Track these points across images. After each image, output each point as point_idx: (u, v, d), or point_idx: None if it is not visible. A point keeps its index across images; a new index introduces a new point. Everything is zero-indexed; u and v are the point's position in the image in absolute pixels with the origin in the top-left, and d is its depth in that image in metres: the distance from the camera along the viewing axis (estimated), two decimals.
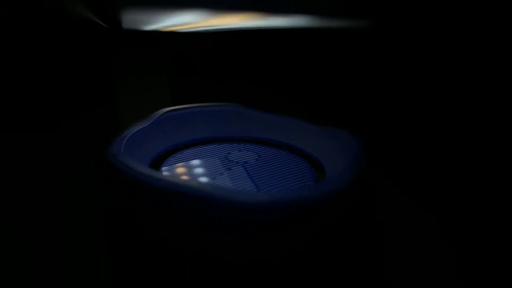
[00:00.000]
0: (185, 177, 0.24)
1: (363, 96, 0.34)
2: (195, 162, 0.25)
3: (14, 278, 0.27)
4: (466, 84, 0.30)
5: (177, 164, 0.25)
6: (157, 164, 0.25)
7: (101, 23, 0.33)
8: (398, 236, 0.28)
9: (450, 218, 0.29)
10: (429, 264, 0.27)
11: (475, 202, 0.29)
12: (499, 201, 0.29)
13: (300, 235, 0.19)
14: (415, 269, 0.27)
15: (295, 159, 0.26)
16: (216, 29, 0.36)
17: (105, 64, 0.34)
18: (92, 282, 0.25)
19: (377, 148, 0.26)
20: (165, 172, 0.24)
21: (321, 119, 0.27)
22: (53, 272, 0.27)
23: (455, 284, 0.27)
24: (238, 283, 0.20)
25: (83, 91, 0.33)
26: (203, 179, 0.24)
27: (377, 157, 0.25)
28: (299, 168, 0.25)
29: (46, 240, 0.29)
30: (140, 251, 0.21)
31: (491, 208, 0.29)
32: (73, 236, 0.29)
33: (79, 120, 0.33)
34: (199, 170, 0.24)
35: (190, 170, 0.24)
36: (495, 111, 0.29)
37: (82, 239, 0.27)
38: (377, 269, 0.25)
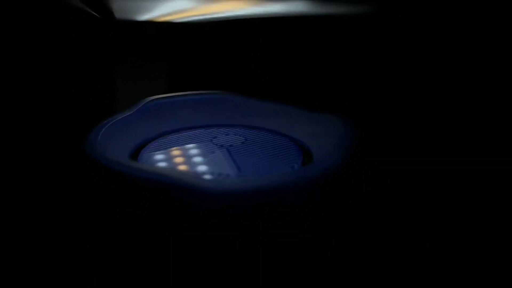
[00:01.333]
0: (162, 163, 0.23)
1: (365, 87, 0.32)
2: (178, 146, 0.24)
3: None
4: (474, 78, 0.28)
5: (157, 150, 0.24)
6: (137, 151, 0.24)
7: (93, 13, 0.33)
8: (393, 232, 0.26)
9: (450, 217, 0.28)
10: (424, 258, 0.26)
11: (477, 200, 0.28)
12: (502, 200, 0.27)
13: (269, 224, 0.18)
14: (410, 263, 0.25)
15: (283, 142, 0.25)
16: (211, 18, 0.35)
17: (99, 55, 0.34)
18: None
19: (375, 140, 0.25)
20: (142, 158, 0.23)
21: (320, 109, 0.26)
22: (47, 268, 0.27)
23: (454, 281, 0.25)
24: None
25: (76, 81, 0.33)
26: (183, 163, 0.23)
27: (375, 149, 0.24)
28: (286, 152, 0.24)
29: (41, 236, 0.29)
30: (117, 244, 0.21)
31: (492, 206, 0.27)
32: (69, 231, 0.29)
33: (73, 111, 0.33)
34: (181, 154, 0.24)
35: (171, 154, 0.24)
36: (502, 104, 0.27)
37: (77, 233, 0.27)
38: (370, 265, 0.23)
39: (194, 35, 0.35)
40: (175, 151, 0.24)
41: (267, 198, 0.18)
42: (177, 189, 0.18)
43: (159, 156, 0.23)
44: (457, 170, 0.29)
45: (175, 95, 0.27)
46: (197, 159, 0.23)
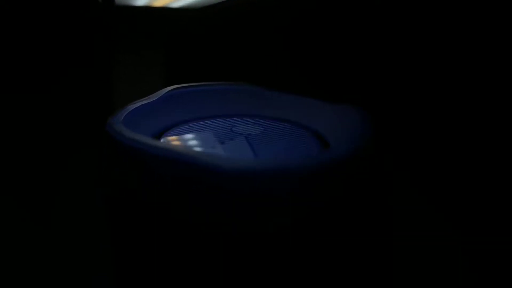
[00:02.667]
0: (180, 145, 0.23)
1: (384, 78, 0.32)
2: (197, 132, 0.25)
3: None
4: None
5: (177, 135, 0.25)
6: (159, 137, 0.25)
7: None
8: (408, 224, 0.26)
9: (465, 216, 0.27)
10: (439, 259, 0.25)
11: (492, 197, 0.27)
12: None
13: (284, 208, 0.19)
14: (424, 263, 0.25)
15: (301, 132, 0.25)
16: (210, 2, 0.35)
17: (99, 39, 0.34)
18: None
19: (393, 131, 0.25)
20: (163, 140, 0.24)
21: (338, 99, 0.26)
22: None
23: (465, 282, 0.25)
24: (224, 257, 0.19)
25: (76, 65, 0.34)
26: (200, 148, 0.23)
27: (392, 141, 0.24)
28: (303, 142, 0.24)
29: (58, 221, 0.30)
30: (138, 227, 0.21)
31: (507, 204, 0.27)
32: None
33: (73, 96, 0.33)
34: (199, 139, 0.24)
35: (190, 139, 0.24)
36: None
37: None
38: (384, 257, 0.23)
39: (192, 19, 0.35)
40: (195, 136, 0.24)
41: (280, 180, 0.18)
42: (192, 166, 0.18)
43: (178, 140, 0.24)
44: (472, 163, 0.28)
45: (197, 85, 0.28)
46: (216, 144, 0.24)
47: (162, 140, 0.24)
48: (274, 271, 0.19)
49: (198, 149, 0.23)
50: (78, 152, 0.32)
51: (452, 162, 0.29)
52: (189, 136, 0.24)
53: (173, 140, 0.24)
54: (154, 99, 0.26)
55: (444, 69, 0.30)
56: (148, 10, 0.35)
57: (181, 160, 0.19)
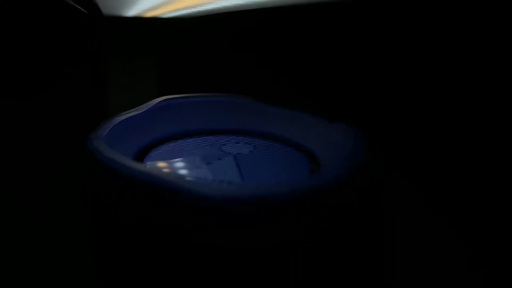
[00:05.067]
0: (166, 168, 0.22)
1: (370, 86, 0.31)
2: (185, 150, 0.24)
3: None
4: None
5: (163, 154, 0.24)
6: (143, 153, 0.24)
7: (80, 8, 0.33)
8: (402, 239, 0.25)
9: (461, 213, 0.27)
10: (438, 262, 0.25)
11: (490, 197, 0.26)
12: None
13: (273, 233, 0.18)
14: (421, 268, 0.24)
15: (292, 153, 0.24)
16: (202, 12, 0.34)
17: (89, 51, 0.33)
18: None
19: (383, 140, 0.24)
20: (149, 162, 0.23)
21: (327, 111, 0.26)
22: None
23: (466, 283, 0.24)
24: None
25: (67, 77, 0.33)
26: (186, 169, 0.22)
27: (384, 150, 0.23)
28: (294, 162, 0.23)
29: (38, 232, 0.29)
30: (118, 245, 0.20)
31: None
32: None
33: (64, 106, 0.32)
34: (186, 158, 0.23)
35: (176, 157, 0.23)
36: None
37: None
38: (377, 275, 0.22)
39: (183, 29, 0.35)
40: (181, 154, 0.24)
41: (262, 206, 0.18)
42: (174, 192, 0.18)
43: (164, 160, 0.23)
44: (468, 173, 0.28)
45: (188, 96, 0.27)
46: (202, 164, 0.23)
47: (146, 159, 0.23)
48: None
49: (182, 170, 0.22)
50: (70, 158, 0.31)
51: (449, 168, 0.29)
52: (175, 153, 0.24)
53: (158, 159, 0.23)
54: (142, 111, 0.25)
55: (442, 72, 0.30)
56: (139, 20, 0.35)
57: (158, 185, 0.18)
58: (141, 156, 0.24)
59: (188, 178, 0.20)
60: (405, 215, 0.27)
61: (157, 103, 0.26)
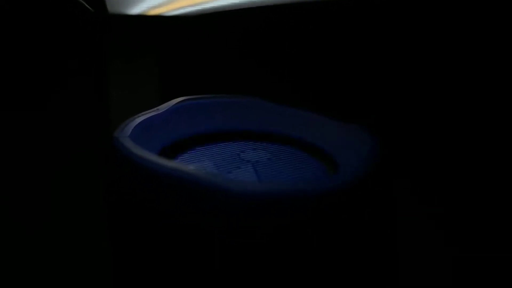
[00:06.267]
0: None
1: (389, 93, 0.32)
2: (204, 159, 0.24)
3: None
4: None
5: (183, 162, 0.24)
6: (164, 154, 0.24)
7: (86, 5, 0.33)
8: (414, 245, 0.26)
9: (468, 221, 0.28)
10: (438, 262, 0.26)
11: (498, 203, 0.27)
12: None
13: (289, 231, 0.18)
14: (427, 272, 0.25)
15: (310, 158, 0.25)
16: (206, 9, 0.35)
17: (93, 48, 0.33)
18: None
19: (396, 147, 0.25)
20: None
21: (331, 112, 0.26)
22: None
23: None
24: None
25: (69, 75, 0.33)
26: None
27: (396, 156, 0.24)
28: (312, 170, 0.24)
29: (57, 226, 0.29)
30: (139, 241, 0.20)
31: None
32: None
33: (65, 106, 0.32)
34: (206, 167, 0.24)
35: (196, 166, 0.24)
36: None
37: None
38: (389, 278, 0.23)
39: (187, 28, 0.35)
40: (200, 164, 0.24)
41: (285, 204, 0.18)
42: (199, 186, 0.18)
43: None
44: (469, 173, 0.28)
45: (207, 97, 0.27)
46: (223, 173, 0.23)
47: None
48: None
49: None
50: (73, 159, 0.31)
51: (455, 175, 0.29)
52: (194, 163, 0.24)
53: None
54: (162, 111, 0.25)
55: (446, 75, 0.31)
56: (143, 18, 0.35)
57: (191, 180, 0.19)
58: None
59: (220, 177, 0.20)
60: (405, 215, 0.27)
61: (177, 103, 0.26)
